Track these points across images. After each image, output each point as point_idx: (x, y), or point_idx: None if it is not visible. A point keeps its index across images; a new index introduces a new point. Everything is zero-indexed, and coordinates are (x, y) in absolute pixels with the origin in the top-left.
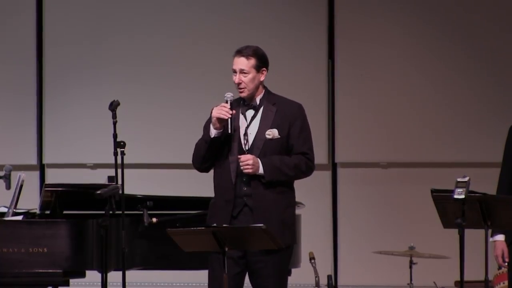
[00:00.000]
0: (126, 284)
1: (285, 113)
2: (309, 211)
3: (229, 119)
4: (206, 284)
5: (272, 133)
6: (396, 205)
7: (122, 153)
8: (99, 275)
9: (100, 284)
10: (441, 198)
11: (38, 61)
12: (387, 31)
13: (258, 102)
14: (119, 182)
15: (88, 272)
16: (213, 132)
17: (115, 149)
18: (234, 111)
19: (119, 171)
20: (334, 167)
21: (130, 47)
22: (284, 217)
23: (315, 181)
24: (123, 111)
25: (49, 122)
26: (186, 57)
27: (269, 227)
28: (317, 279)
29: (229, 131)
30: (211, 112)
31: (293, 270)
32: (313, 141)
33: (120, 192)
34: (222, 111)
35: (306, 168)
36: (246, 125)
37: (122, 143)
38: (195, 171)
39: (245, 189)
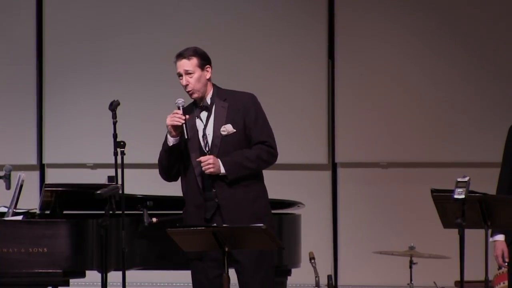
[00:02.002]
0: (126, 284)
1: (237, 106)
2: (309, 211)
3: (184, 125)
4: None
5: (226, 128)
6: (396, 205)
7: (122, 153)
8: (99, 275)
9: (100, 284)
10: (441, 198)
11: (38, 61)
12: (387, 31)
13: (209, 101)
14: (119, 182)
15: (88, 272)
16: (171, 140)
17: (115, 149)
18: (187, 116)
19: (119, 171)
20: (334, 167)
21: (130, 46)
22: (255, 209)
23: (315, 181)
24: (123, 111)
25: (49, 122)
26: None
27: (240, 223)
28: (317, 279)
29: (186, 136)
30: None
31: (293, 270)
32: (311, 140)
33: (120, 192)
34: (175, 117)
35: (268, 156)
36: (203, 127)
37: (122, 143)
38: None
39: (214, 190)
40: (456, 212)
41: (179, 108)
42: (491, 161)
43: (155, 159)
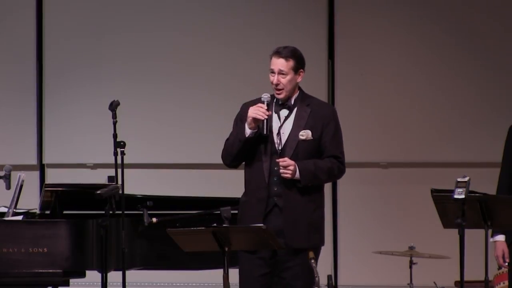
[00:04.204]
0: (126, 284)
1: (318, 115)
2: None
3: (265, 120)
4: (206, 284)
5: (306, 134)
6: (396, 205)
7: (122, 153)
8: (99, 275)
9: (100, 284)
10: (441, 198)
11: (38, 61)
12: (387, 31)
13: (292, 102)
14: (119, 182)
15: (88, 272)
16: (248, 132)
17: (115, 149)
18: (270, 112)
19: (119, 171)
20: None
21: (130, 45)
22: (312, 218)
23: None
24: (124, 110)
25: (49, 122)
26: (186, 56)
27: (296, 227)
28: (317, 279)
29: (265, 132)
30: (241, 108)
31: None
32: None
33: (120, 192)
34: (259, 111)
35: (338, 172)
36: (279, 125)
37: (122, 143)
38: (195, 171)
39: (276, 189)
40: (456, 212)
41: (263, 103)
42: (491, 161)
43: (155, 159)
